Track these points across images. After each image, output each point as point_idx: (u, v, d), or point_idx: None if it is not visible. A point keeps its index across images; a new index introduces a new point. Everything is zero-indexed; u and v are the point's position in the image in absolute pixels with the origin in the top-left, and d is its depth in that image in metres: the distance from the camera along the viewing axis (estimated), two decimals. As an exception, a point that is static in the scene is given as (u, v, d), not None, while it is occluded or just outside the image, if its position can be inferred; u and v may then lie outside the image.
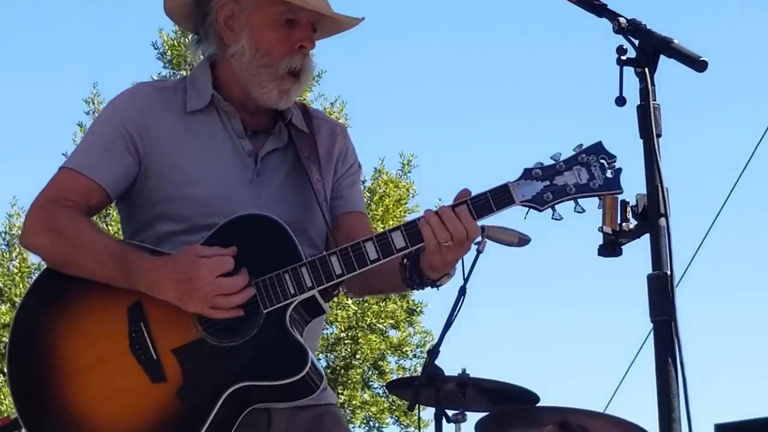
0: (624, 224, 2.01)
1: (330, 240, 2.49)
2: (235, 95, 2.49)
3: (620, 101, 2.05)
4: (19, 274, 14.27)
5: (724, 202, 6.26)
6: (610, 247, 2.01)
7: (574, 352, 20.65)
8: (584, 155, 2.25)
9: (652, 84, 1.98)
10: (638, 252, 2.01)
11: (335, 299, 2.55)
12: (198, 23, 2.51)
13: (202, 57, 2.59)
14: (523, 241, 4.09)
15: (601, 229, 2.02)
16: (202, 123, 2.48)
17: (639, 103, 1.99)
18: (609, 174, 2.22)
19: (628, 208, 2.02)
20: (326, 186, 2.54)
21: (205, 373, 2.28)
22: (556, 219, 2.26)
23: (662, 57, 2.02)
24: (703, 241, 6.20)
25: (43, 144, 22.32)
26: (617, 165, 2.25)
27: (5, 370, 2.42)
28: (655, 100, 1.99)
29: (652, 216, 1.93)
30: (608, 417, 4.44)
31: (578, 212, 2.24)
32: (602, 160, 2.24)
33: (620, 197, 2.07)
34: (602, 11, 2.06)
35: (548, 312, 21.09)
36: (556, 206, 2.24)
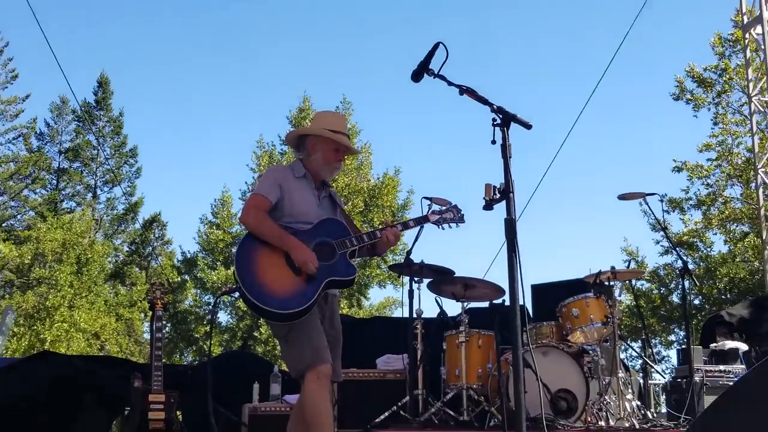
0: (494, 196, 4.50)
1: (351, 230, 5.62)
2: (313, 173, 5.56)
3: (494, 142, 4.59)
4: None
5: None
6: (488, 206, 4.45)
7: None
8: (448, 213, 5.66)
9: (507, 137, 4.48)
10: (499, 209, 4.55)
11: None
12: (299, 145, 5.80)
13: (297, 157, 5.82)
14: None
15: (484, 198, 4.54)
16: (303, 182, 5.55)
17: (500, 142, 4.50)
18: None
19: (496, 189, 4.53)
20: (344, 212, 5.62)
21: (318, 273, 5.26)
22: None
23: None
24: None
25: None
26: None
27: (235, 269, 5.27)
28: (508, 140, 4.51)
29: (505, 192, 4.45)
30: (484, 281, 7.70)
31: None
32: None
33: (492, 183, 4.65)
34: (486, 102, 4.58)
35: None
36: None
